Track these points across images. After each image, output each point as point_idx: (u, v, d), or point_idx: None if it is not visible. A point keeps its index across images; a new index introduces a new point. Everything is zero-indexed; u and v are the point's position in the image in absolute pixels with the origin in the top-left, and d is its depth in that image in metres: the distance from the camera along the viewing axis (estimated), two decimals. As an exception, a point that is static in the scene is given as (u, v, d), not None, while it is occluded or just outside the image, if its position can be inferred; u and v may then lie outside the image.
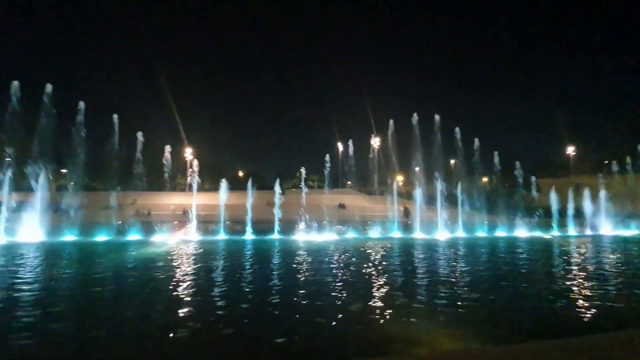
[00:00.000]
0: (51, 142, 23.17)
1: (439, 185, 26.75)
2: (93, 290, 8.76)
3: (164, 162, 26.34)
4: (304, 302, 7.77)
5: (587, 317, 6.86)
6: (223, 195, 25.76)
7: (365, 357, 5.00)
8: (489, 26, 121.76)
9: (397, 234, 24.36)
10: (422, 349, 5.38)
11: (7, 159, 23.04)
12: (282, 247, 17.71)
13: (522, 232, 25.35)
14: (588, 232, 26.38)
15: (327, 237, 21.90)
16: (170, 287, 8.95)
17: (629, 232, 26.35)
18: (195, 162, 28.71)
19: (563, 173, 37.15)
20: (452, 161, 30.69)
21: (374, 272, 11.06)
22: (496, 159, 30.84)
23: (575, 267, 12.33)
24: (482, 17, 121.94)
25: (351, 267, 11.99)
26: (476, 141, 29.62)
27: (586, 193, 29.03)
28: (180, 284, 9.35)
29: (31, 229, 20.18)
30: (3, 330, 5.94)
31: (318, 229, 23.97)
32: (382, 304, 7.55)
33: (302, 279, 10.27)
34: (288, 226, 24.17)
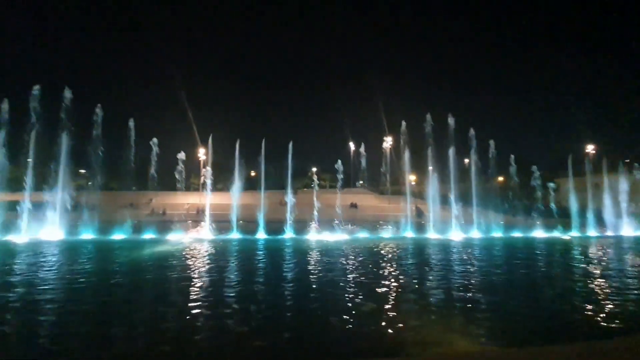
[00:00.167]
0: (70, 143, 23.77)
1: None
2: (125, 286, 8.99)
3: (179, 166, 26.77)
4: (321, 303, 7.76)
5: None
6: (235, 195, 26.01)
7: (380, 358, 4.96)
8: (499, 25, 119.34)
9: (409, 233, 24.14)
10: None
11: (28, 160, 23.76)
12: (294, 247, 17.74)
13: (539, 232, 24.78)
14: (608, 232, 25.61)
15: (339, 237, 21.85)
16: (188, 284, 9.07)
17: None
18: (208, 169, 29.16)
19: (581, 172, 36.12)
20: (466, 160, 30.18)
21: (386, 273, 10.98)
22: (511, 158, 30.19)
23: (602, 270, 11.90)
24: (495, 18, 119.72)
25: (364, 268, 11.92)
26: (492, 143, 29.08)
27: (605, 192, 28.20)
28: (198, 282, 9.48)
29: (51, 228, 20.77)
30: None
31: (330, 228, 23.95)
32: (399, 306, 7.48)
33: (316, 280, 10.23)
34: (300, 226, 24.22)
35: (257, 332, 5.92)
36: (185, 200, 51.85)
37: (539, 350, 4.99)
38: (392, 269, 11.67)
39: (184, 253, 14.95)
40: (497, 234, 24.83)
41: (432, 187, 27.57)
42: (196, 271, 11.09)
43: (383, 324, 6.27)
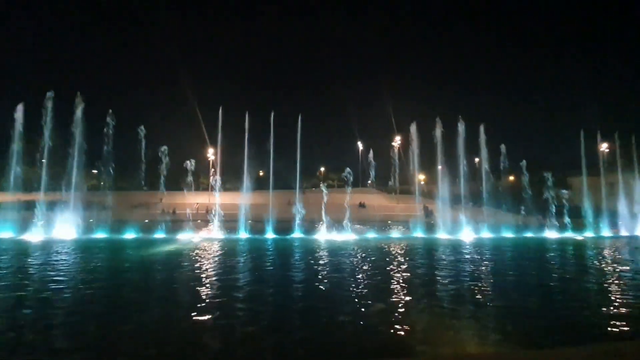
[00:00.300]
0: (82, 145, 24.24)
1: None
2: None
3: (188, 170, 27.07)
4: (331, 304, 7.76)
5: None
6: (245, 194, 26.17)
7: (392, 358, 4.93)
8: (509, 26, 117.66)
9: (419, 233, 23.95)
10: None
11: (42, 161, 24.29)
12: (303, 247, 17.76)
13: (552, 233, 24.35)
14: (623, 232, 25.05)
15: (347, 236, 21.81)
16: (202, 284, 9.17)
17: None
18: (217, 174, 29.49)
19: (595, 171, 35.37)
20: (476, 160, 29.83)
21: (396, 274, 10.92)
22: (523, 164, 29.66)
23: (619, 272, 11.66)
24: (504, 19, 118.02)
25: (375, 269, 11.87)
26: (502, 144, 28.69)
27: (620, 192, 27.59)
28: (212, 281, 9.57)
29: (65, 227, 21.19)
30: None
31: (338, 228, 23.91)
32: (411, 308, 7.43)
33: (326, 280, 10.24)
34: (309, 225, 24.24)
35: (272, 331, 5.95)
36: (194, 200, 52.32)
37: (551, 352, 4.90)
38: (404, 270, 11.59)
39: (194, 252, 15.10)
40: (508, 234, 24.47)
41: (442, 186, 27.32)
42: (209, 271, 11.19)
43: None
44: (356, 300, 7.78)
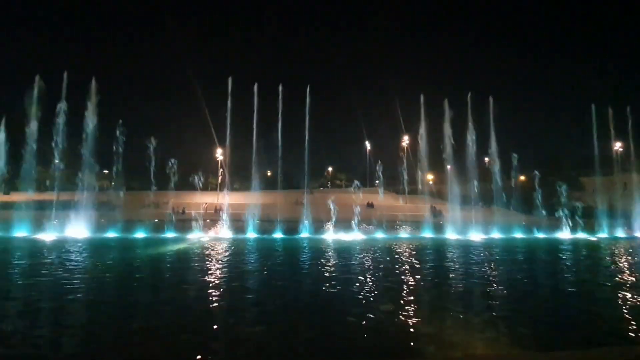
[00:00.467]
0: (94, 146, 24.68)
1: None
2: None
3: (197, 178, 27.43)
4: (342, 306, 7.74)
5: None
6: (253, 194, 26.28)
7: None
8: (521, 25, 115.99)
9: (427, 234, 23.77)
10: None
11: (55, 161, 24.79)
12: (311, 247, 17.75)
13: (564, 233, 23.94)
14: (637, 233, 24.50)
15: (355, 236, 21.74)
16: (208, 282, 9.24)
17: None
18: (226, 174, 29.69)
19: (609, 171, 34.65)
20: (486, 159, 29.47)
21: (406, 275, 10.84)
22: (535, 174, 29.18)
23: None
24: (516, 18, 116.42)
25: (382, 268, 11.82)
26: (512, 138, 28.29)
27: (634, 192, 26.98)
28: (220, 280, 9.64)
29: (77, 226, 21.57)
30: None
31: (346, 228, 23.85)
32: (421, 310, 7.37)
33: (336, 281, 10.21)
34: (317, 225, 24.23)
35: (283, 332, 5.95)
36: (203, 199, 52.77)
37: (560, 354, 4.80)
38: (415, 271, 11.49)
39: (204, 252, 15.24)
40: (519, 234, 24.13)
41: (451, 186, 27.07)
42: (219, 271, 11.26)
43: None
44: (368, 301, 7.73)
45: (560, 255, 15.94)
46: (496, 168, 27.23)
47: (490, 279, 10.45)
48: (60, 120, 23.85)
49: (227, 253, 15.08)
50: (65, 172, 25.48)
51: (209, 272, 10.94)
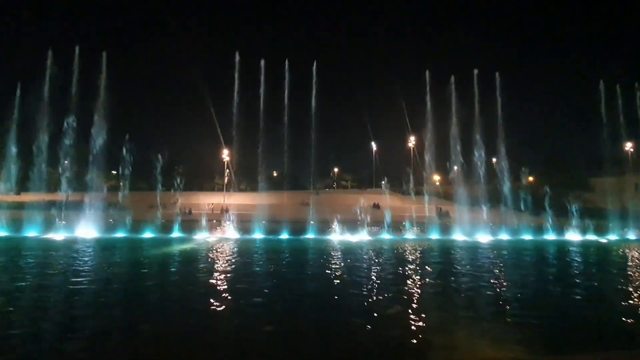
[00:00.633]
0: (102, 147, 24.97)
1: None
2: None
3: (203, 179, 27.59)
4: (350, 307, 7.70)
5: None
6: (259, 195, 26.35)
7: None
8: (530, 25, 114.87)
9: (434, 235, 23.58)
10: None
11: (65, 162, 25.13)
12: (317, 248, 17.71)
13: (573, 235, 23.58)
14: (650, 236, 24.05)
15: (362, 237, 21.66)
16: (213, 282, 9.26)
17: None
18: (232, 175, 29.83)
19: (620, 171, 34.06)
20: (494, 160, 29.18)
21: (413, 276, 10.76)
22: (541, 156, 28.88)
23: None
24: (524, 19, 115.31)
25: (391, 271, 11.74)
26: (521, 139, 27.99)
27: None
28: (226, 280, 9.66)
29: (86, 227, 21.84)
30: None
31: (352, 229, 23.79)
32: (430, 312, 7.30)
33: (343, 283, 10.17)
34: (322, 226, 24.20)
35: (292, 332, 5.94)
36: (209, 200, 53.12)
37: (568, 359, 4.71)
38: (423, 274, 11.40)
39: (211, 252, 15.32)
40: (527, 236, 23.81)
41: (458, 187, 26.85)
42: (226, 270, 11.29)
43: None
44: (376, 305, 7.68)
45: (571, 258, 15.68)
46: (504, 169, 26.94)
47: (514, 284, 10.21)
48: (69, 122, 24.19)
49: (233, 254, 15.12)
50: (74, 173, 25.82)
51: (215, 272, 10.97)
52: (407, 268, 11.92)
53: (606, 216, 26.10)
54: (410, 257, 14.71)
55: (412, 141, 52.99)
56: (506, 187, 27.48)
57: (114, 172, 45.56)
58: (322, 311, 7.20)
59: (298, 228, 23.69)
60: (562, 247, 18.92)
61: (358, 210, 27.25)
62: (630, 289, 9.25)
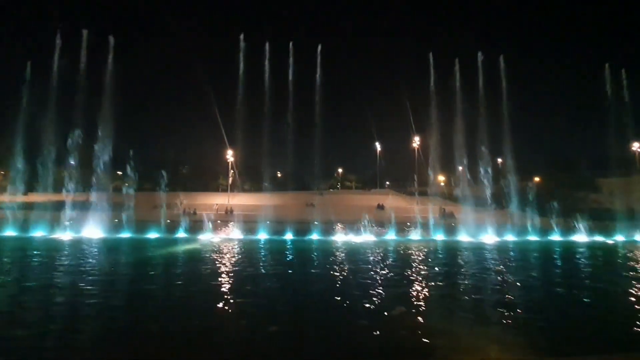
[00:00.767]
0: (108, 148, 25.15)
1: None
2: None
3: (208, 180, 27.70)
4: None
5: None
6: (263, 195, 26.38)
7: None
8: (537, 25, 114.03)
9: (439, 236, 23.44)
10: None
11: (71, 162, 25.35)
12: (322, 249, 17.67)
13: (580, 236, 23.32)
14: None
15: (366, 238, 21.60)
16: (221, 283, 9.27)
17: None
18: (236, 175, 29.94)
19: (627, 172, 33.69)
20: (500, 160, 29.01)
21: (417, 277, 10.70)
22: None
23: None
24: (528, 19, 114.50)
25: (393, 271, 11.68)
26: (527, 139, 27.82)
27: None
28: (231, 281, 9.67)
29: (92, 227, 21.99)
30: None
31: (356, 230, 23.72)
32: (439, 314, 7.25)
33: (347, 282, 10.14)
34: (327, 227, 24.16)
35: (297, 333, 5.92)
36: (214, 200, 53.34)
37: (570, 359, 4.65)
38: (423, 273, 11.33)
39: (216, 252, 15.35)
40: (534, 237, 23.58)
41: (463, 188, 26.68)
42: (230, 271, 11.31)
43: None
44: (379, 306, 7.64)
45: (579, 259, 15.50)
46: (510, 169, 26.76)
47: (522, 286, 10.13)
48: (76, 123, 24.43)
49: (237, 254, 15.14)
50: (80, 173, 26.02)
51: (220, 273, 10.97)
52: (410, 269, 11.85)
53: (613, 217, 25.79)
54: (414, 258, 14.64)
55: (416, 142, 52.76)
56: (512, 187, 27.27)
57: (119, 172, 45.86)
58: (326, 312, 7.17)
59: (303, 228, 23.67)
60: (569, 249, 18.73)
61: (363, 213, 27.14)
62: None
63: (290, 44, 30.40)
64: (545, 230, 25.32)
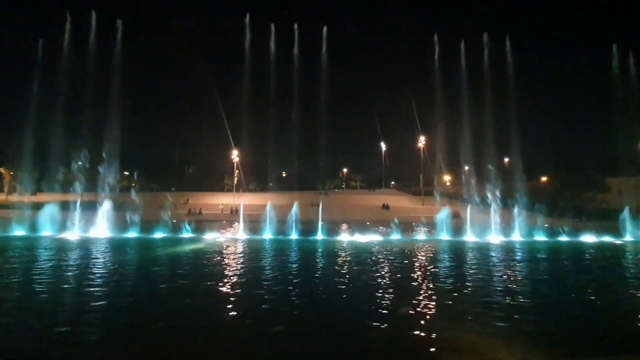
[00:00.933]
0: (115, 148, 25.46)
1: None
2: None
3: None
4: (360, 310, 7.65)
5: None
6: (268, 195, 26.43)
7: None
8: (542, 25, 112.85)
9: (445, 236, 23.28)
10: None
11: (79, 163, 25.68)
12: (327, 249, 17.65)
13: (588, 237, 23.02)
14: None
15: (371, 238, 21.53)
16: (225, 283, 9.30)
17: None
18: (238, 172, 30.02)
19: (636, 171, 33.20)
20: (507, 160, 28.77)
21: (422, 277, 10.63)
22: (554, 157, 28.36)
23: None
24: (536, 19, 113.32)
25: (398, 271, 11.63)
26: (535, 138, 27.55)
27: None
28: (238, 280, 9.70)
29: (99, 227, 22.22)
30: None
31: (362, 230, 23.67)
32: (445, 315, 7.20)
33: (352, 282, 10.10)
34: (332, 226, 24.12)
35: (301, 332, 5.91)
36: (219, 200, 53.63)
37: None
38: (428, 274, 11.26)
39: (222, 252, 15.41)
40: (541, 237, 23.32)
41: (469, 188, 26.49)
42: (235, 270, 11.34)
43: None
44: (386, 306, 7.60)
45: (589, 260, 15.28)
46: (517, 169, 26.52)
47: (528, 288, 10.03)
48: (82, 125, 24.73)
49: (243, 254, 15.19)
50: (88, 174, 26.35)
51: (225, 272, 11.02)
52: (416, 269, 11.78)
53: (622, 217, 25.40)
54: (419, 258, 14.55)
55: (422, 141, 52.52)
56: (519, 187, 27.03)
57: (126, 172, 46.34)
58: (332, 312, 7.14)
59: (308, 228, 23.66)
60: (577, 249, 18.50)
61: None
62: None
63: (296, 45, 30.45)
64: (553, 231, 25.04)
